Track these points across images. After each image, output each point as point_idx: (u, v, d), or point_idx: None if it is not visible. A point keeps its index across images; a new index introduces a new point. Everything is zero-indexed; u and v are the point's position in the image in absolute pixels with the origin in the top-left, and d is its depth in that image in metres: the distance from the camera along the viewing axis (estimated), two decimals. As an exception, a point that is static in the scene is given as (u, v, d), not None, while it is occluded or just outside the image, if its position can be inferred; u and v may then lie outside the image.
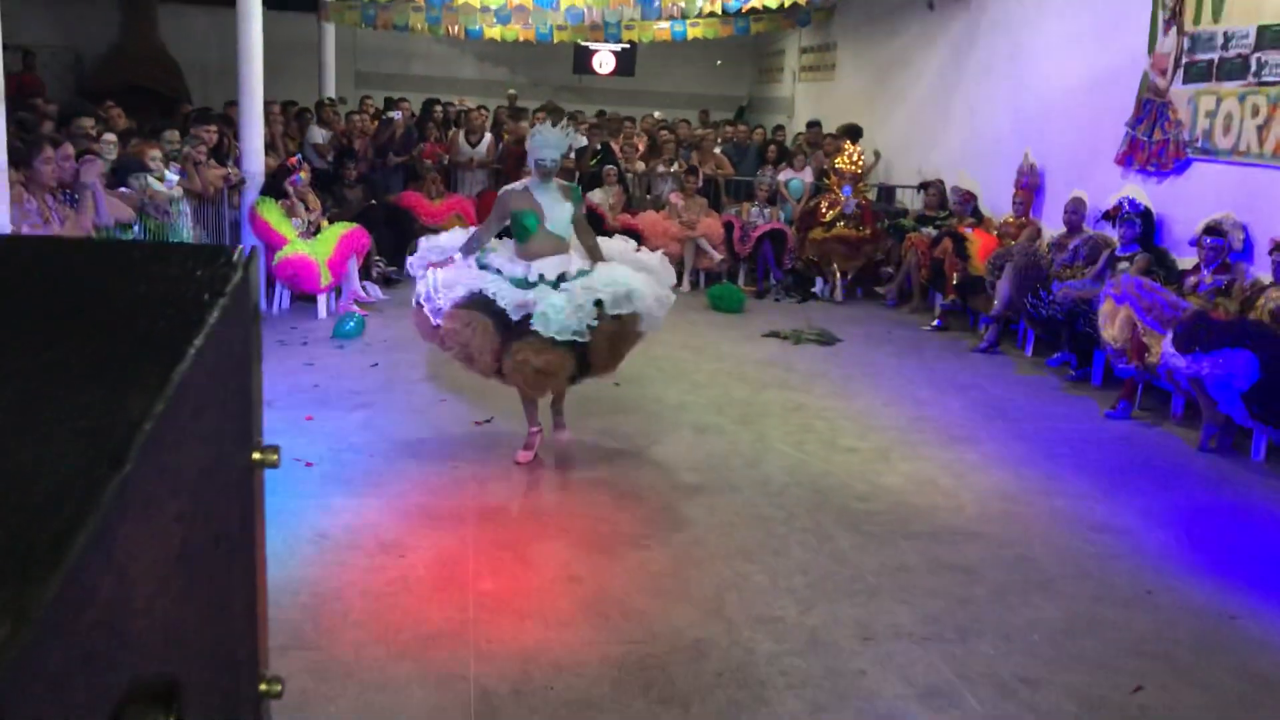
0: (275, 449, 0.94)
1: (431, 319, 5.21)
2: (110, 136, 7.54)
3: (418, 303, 5.36)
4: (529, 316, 4.98)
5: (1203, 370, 5.79)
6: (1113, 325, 6.63)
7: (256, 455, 0.92)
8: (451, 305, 5.09)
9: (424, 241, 5.69)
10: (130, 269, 0.79)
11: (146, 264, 0.79)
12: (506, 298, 5.07)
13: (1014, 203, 9.20)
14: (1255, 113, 6.81)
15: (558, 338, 4.95)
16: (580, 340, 4.99)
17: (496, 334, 5.02)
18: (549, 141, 5.27)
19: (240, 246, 0.80)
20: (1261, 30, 6.76)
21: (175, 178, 7.60)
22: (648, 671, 3.43)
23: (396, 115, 11.73)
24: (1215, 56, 7.19)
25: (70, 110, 7.95)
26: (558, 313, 4.95)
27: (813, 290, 10.52)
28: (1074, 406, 6.93)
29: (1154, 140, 7.78)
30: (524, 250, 5.27)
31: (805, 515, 4.82)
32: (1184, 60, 7.50)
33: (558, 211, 5.25)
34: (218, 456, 0.78)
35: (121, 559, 0.59)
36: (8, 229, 5.26)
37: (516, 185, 5.41)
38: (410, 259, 5.70)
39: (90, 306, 0.74)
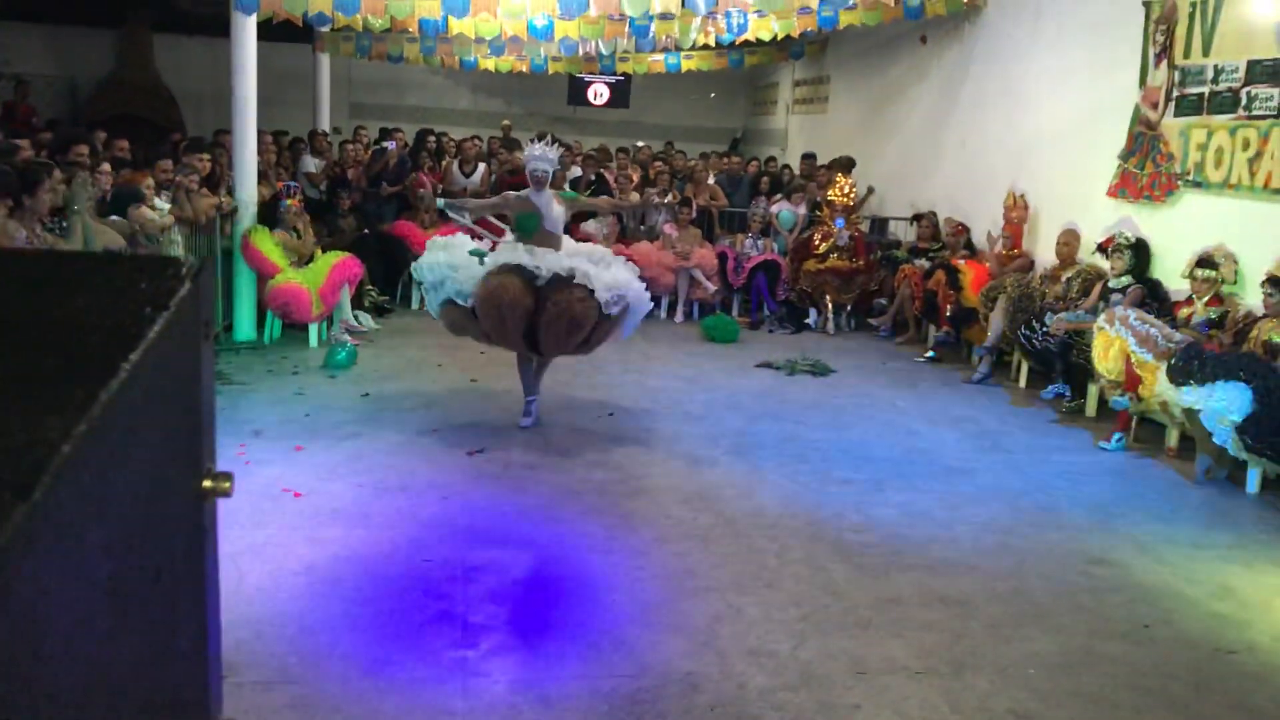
0: (228, 476, 0.88)
1: (460, 301, 6.14)
2: (106, 166, 7.51)
3: (447, 301, 6.23)
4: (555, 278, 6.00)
5: (1197, 403, 5.77)
6: (1106, 357, 6.61)
7: (207, 482, 0.86)
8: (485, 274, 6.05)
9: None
10: (70, 281, 0.73)
11: (88, 275, 0.74)
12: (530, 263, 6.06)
13: (1002, 235, 9.20)
14: (1246, 146, 6.82)
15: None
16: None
17: (528, 291, 5.98)
18: (537, 155, 6.35)
19: (190, 257, 0.76)
20: (1251, 64, 6.79)
21: (166, 206, 7.57)
22: (639, 705, 3.37)
23: (390, 145, 11.73)
24: (1206, 90, 7.22)
25: (68, 138, 7.91)
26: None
27: (806, 321, 10.51)
28: (1068, 438, 6.89)
29: (1146, 173, 7.79)
30: (528, 244, 6.22)
31: (799, 547, 4.77)
32: (1175, 93, 7.53)
33: (553, 213, 6.30)
34: (157, 484, 0.72)
35: (27, 597, 0.54)
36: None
37: (520, 193, 6.44)
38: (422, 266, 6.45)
39: (19, 321, 0.68)
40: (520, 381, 6.63)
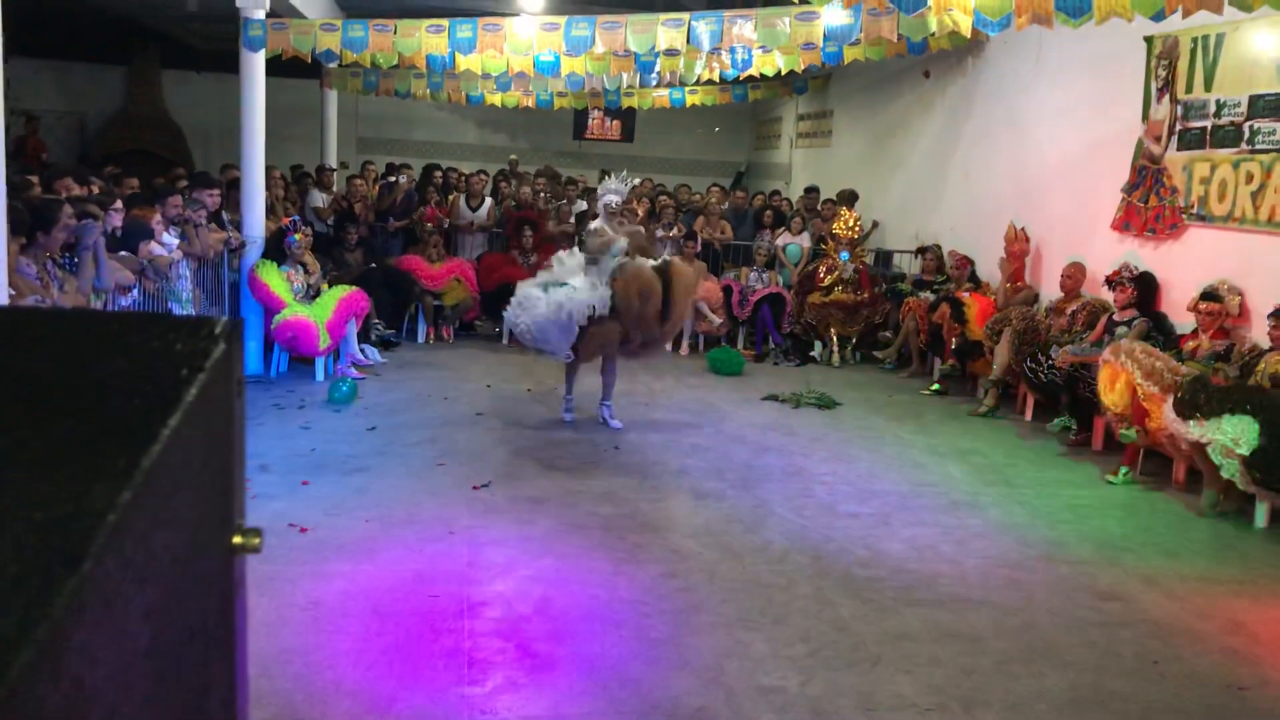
0: (257, 532, 0.88)
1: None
2: (118, 203, 7.54)
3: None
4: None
5: (1204, 436, 5.76)
6: (1112, 390, 6.60)
7: (237, 539, 0.86)
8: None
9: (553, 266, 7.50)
10: (106, 342, 0.74)
11: (124, 336, 0.75)
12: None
13: (1002, 266, 9.23)
14: (1250, 179, 6.85)
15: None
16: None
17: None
18: (612, 189, 7.44)
19: (224, 318, 0.76)
20: (1254, 99, 6.83)
21: (175, 241, 7.61)
22: (646, 744, 3.35)
23: (401, 179, 11.84)
24: (1208, 124, 7.26)
25: (77, 174, 7.95)
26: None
27: (811, 354, 10.52)
28: (1075, 472, 6.88)
29: (1150, 206, 7.82)
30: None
31: (806, 582, 4.76)
32: (1178, 127, 7.57)
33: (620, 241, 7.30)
34: (193, 544, 0.73)
35: (76, 668, 0.54)
36: (5, 299, 5.23)
37: (597, 223, 7.41)
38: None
39: (59, 384, 0.69)
40: (565, 382, 7.74)
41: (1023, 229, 9.20)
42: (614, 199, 7.40)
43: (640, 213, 11.92)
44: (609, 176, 7.64)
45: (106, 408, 0.66)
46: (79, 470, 0.60)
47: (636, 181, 8.33)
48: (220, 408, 0.75)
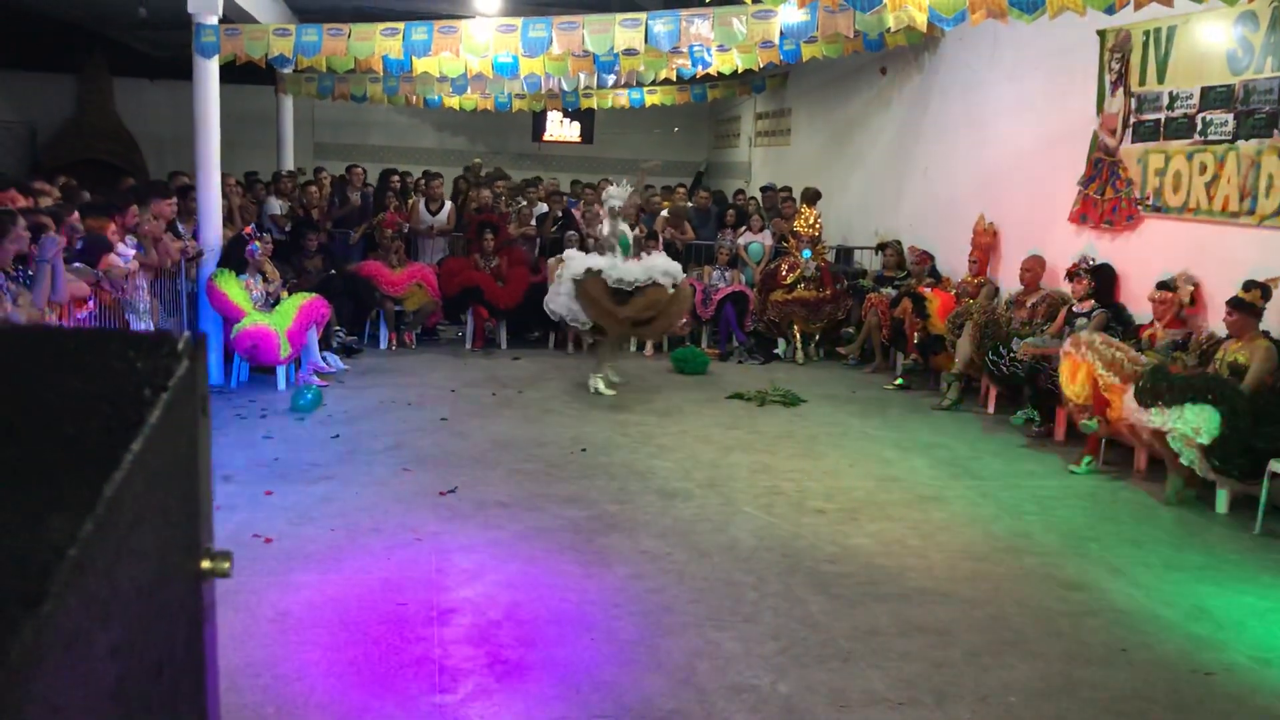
0: (227, 555, 0.85)
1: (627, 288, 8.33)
2: (75, 214, 7.40)
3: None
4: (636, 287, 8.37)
5: (1165, 425, 5.83)
6: (1074, 381, 6.67)
7: (205, 564, 0.82)
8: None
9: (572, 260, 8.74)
10: (61, 360, 0.70)
11: (80, 354, 0.71)
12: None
13: (970, 261, 9.30)
14: (1203, 170, 6.94)
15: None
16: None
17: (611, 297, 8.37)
18: (615, 193, 8.61)
19: (186, 333, 0.73)
20: (1205, 90, 6.92)
21: (131, 252, 7.49)
22: (620, 748, 3.34)
23: (353, 196, 11.81)
24: (1161, 116, 7.35)
25: (21, 186, 7.80)
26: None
27: (775, 352, 10.55)
28: (1039, 463, 6.94)
29: (1106, 198, 7.91)
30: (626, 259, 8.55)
31: (775, 579, 4.76)
32: (1132, 120, 7.66)
33: (628, 235, 8.68)
34: (159, 573, 0.70)
35: (36, 717, 0.51)
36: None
37: (605, 226, 8.60)
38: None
39: (11, 406, 0.65)
40: (598, 359, 8.98)
41: (991, 222, 9.27)
42: (616, 203, 8.50)
43: (600, 214, 11.93)
44: (611, 183, 9.22)
45: (64, 432, 0.62)
46: (36, 500, 0.57)
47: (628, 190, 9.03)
48: (185, 428, 0.71)
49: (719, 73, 10.99)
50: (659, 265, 8.60)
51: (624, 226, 8.66)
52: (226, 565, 0.83)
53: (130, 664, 0.63)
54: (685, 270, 11.32)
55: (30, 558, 0.52)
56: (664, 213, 12.18)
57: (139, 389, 0.65)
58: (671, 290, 8.52)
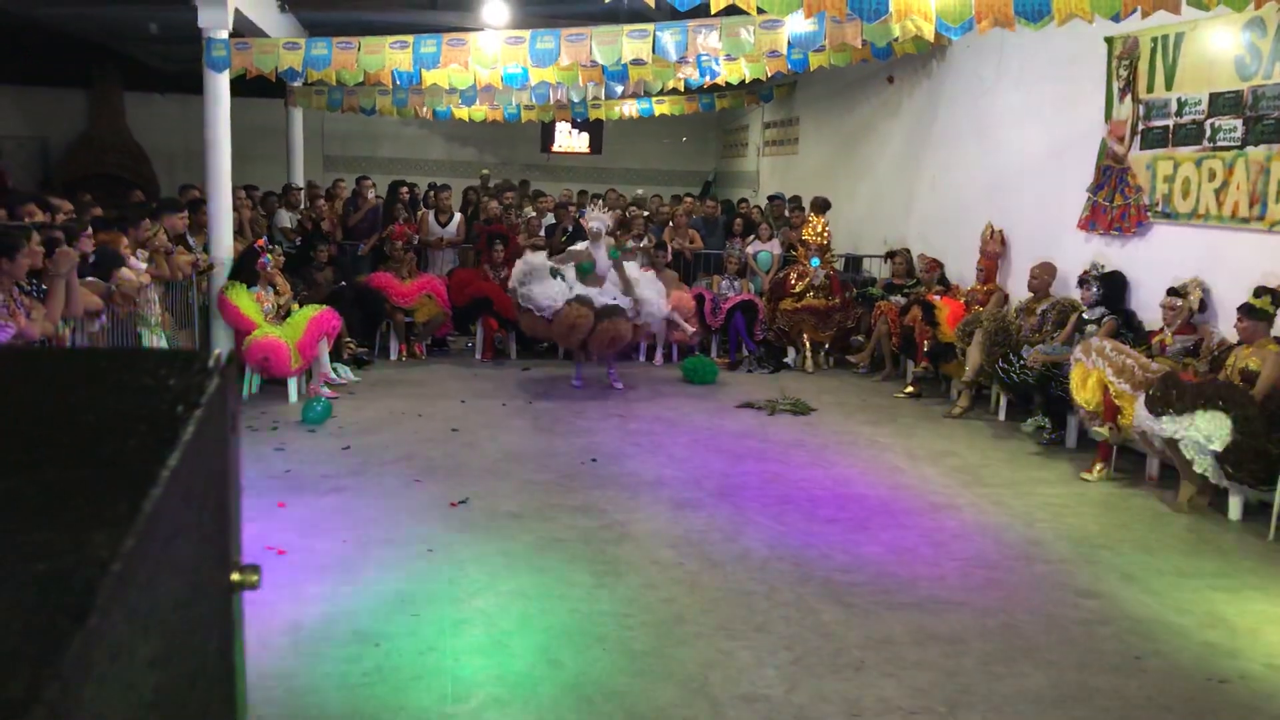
0: (256, 568, 0.86)
1: (538, 313, 8.83)
2: (89, 230, 7.45)
3: (528, 307, 8.93)
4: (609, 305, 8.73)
5: (1177, 432, 5.82)
6: (1085, 388, 6.65)
7: (235, 576, 0.84)
8: (564, 302, 8.74)
9: (522, 263, 9.24)
10: (96, 380, 0.71)
11: (114, 374, 0.72)
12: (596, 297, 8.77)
13: (977, 269, 9.30)
14: (1212, 176, 6.93)
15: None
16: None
17: (591, 314, 8.65)
18: (595, 216, 8.86)
19: (217, 351, 0.74)
20: (1214, 97, 6.92)
21: (143, 265, 7.53)
22: (633, 758, 3.34)
23: (370, 194, 11.82)
24: (1170, 123, 7.34)
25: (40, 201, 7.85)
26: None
27: (785, 360, 10.55)
28: (1050, 470, 6.93)
29: (1115, 205, 7.90)
30: (584, 282, 8.84)
31: (787, 589, 4.76)
32: (1140, 127, 7.65)
33: (602, 260, 8.81)
34: (194, 586, 0.72)
35: None
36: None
37: (584, 245, 8.85)
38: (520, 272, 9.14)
39: (50, 426, 0.66)
40: (575, 363, 9.42)
41: (999, 230, 9.27)
42: (598, 225, 8.78)
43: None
44: (591, 207, 9.34)
45: (102, 450, 0.63)
46: (78, 517, 0.58)
47: (608, 215, 9.29)
48: (217, 443, 0.73)
49: (726, 82, 11.01)
50: (614, 293, 8.90)
51: (600, 253, 8.81)
52: (255, 578, 0.84)
53: (168, 674, 0.64)
54: (694, 280, 11.41)
55: (75, 573, 0.53)
56: (671, 222, 12.21)
57: (173, 406, 0.66)
58: (627, 320, 8.83)
